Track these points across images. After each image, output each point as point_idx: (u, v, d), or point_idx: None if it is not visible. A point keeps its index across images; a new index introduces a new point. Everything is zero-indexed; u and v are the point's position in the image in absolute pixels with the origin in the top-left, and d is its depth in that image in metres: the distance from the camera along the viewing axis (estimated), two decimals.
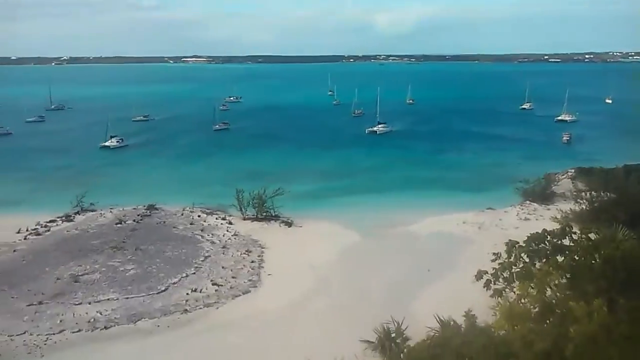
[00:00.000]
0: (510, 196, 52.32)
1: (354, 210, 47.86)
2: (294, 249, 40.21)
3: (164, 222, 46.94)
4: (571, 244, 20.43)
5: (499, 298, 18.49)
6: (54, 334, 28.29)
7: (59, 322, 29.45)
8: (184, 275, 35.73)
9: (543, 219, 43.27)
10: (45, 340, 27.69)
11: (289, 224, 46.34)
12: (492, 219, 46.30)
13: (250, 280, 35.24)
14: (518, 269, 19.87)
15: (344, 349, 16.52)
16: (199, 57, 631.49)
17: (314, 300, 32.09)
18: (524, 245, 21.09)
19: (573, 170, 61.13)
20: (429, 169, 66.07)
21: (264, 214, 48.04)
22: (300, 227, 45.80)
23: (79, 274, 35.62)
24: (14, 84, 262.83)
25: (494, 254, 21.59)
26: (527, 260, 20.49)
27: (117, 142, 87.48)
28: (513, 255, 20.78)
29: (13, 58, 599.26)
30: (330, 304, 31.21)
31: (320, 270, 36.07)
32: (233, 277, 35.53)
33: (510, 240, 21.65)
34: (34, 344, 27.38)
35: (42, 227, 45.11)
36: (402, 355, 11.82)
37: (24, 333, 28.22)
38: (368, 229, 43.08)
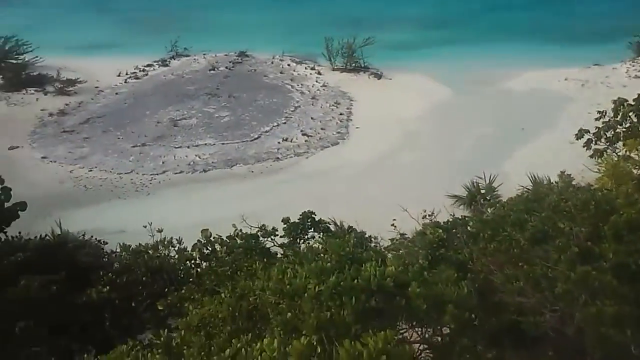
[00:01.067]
0: (621, 51, 47.75)
1: (447, 63, 45.56)
2: (383, 102, 39.65)
3: (255, 70, 47.28)
4: None
5: (600, 159, 17.64)
6: (157, 174, 30.52)
7: (161, 163, 31.58)
8: (275, 124, 36.58)
9: None
10: (150, 180, 29.99)
11: (379, 76, 45.33)
12: (598, 76, 42.91)
13: (338, 133, 35.63)
14: (624, 129, 18.64)
15: (433, 202, 16.68)
16: None
17: (403, 154, 32.18)
18: (633, 103, 19.52)
19: None
20: (531, 18, 60.69)
21: (353, 64, 47.04)
22: (390, 79, 44.70)
23: (177, 118, 37.33)
24: None
25: (598, 112, 20.23)
26: (635, 120, 19.09)
27: None
28: (620, 114, 19.36)
29: None
30: (419, 159, 31.20)
31: (409, 125, 35.65)
32: (322, 129, 36.01)
33: (618, 97, 20.06)
34: (140, 182, 29.77)
35: (140, 71, 46.78)
36: (493, 208, 11.78)
37: (131, 172, 30.63)
38: (461, 83, 41.25)
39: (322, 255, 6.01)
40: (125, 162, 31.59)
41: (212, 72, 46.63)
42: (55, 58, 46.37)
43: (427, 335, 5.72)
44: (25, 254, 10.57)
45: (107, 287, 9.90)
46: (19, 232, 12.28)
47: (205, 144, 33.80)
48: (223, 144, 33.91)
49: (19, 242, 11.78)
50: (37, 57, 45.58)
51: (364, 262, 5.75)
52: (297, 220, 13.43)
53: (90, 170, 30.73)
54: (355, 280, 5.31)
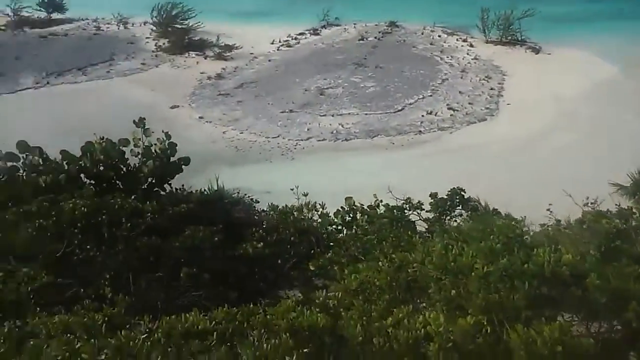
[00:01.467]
0: None
1: (617, 38, 41.44)
2: (539, 79, 37.22)
3: (404, 40, 46.60)
4: None
5: None
6: (302, 140, 31.38)
7: (306, 130, 32.40)
8: (421, 96, 35.88)
9: None
10: (295, 145, 30.92)
11: (536, 51, 42.54)
12: None
13: (487, 108, 34.12)
14: None
15: (593, 189, 15.37)
16: None
17: (557, 135, 30.04)
18: None
19: None
20: None
21: (509, 37, 44.54)
22: (549, 54, 41.75)
23: (324, 87, 37.93)
24: None
25: None
26: None
27: None
28: None
29: None
30: (576, 141, 28.91)
31: (567, 104, 33.15)
32: (469, 103, 34.71)
33: None
34: (286, 146, 30.82)
35: (292, 39, 48.09)
36: None
37: (278, 136, 31.78)
38: (631, 62, 37.40)
39: (489, 235, 5.73)
40: (273, 126, 32.82)
41: (361, 42, 46.70)
42: (215, 24, 49.20)
43: (599, 331, 5.27)
44: (188, 206, 11.30)
45: (261, 243, 10.35)
46: (182, 185, 13.21)
47: (349, 114, 34.08)
48: (366, 114, 33.97)
49: (182, 195, 12.64)
50: (199, 22, 48.50)
51: (535, 247, 5.40)
52: (445, 196, 13.10)
53: (242, 133, 32.33)
54: (526, 265, 5.00)
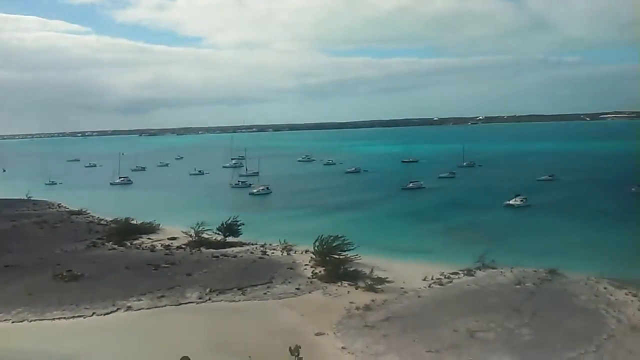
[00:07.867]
0: None
1: None
2: None
3: (565, 289, 44.01)
4: None
5: None
6: None
7: None
8: (582, 351, 32.41)
9: None
10: None
11: None
12: None
13: None
14: None
15: None
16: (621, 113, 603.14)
17: None
18: None
19: None
20: None
21: None
22: None
23: (475, 329, 36.04)
24: (435, 142, 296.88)
25: None
26: None
27: (520, 201, 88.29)
28: None
29: (435, 119, 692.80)
30: None
31: None
32: None
33: None
34: None
35: (445, 277, 48.01)
36: None
37: None
38: None
39: None
40: None
41: (517, 286, 44.97)
42: (372, 257, 51.64)
43: None
44: None
45: None
46: None
47: None
48: None
49: None
50: (357, 255, 51.00)
51: None
52: None
53: None
54: None
